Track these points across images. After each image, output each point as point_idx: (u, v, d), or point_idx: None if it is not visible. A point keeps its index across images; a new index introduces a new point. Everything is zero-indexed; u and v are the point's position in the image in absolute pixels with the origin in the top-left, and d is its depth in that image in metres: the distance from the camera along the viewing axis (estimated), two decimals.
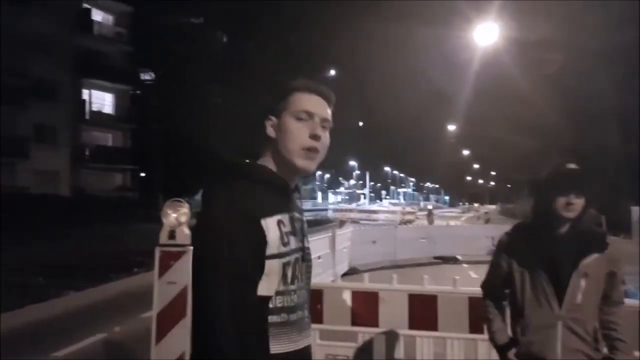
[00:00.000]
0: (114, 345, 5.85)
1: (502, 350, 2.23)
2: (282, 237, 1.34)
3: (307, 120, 1.40)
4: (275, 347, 1.32)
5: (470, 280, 3.93)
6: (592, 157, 25.92)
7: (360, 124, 63.17)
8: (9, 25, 24.69)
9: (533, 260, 2.14)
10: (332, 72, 64.97)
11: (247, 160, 1.44)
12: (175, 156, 32.13)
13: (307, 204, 68.94)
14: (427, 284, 3.65)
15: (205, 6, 38.12)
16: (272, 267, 1.32)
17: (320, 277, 7.58)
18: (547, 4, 21.08)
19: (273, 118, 1.43)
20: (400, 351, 3.57)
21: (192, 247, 4.33)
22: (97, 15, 32.23)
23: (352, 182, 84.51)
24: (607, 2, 19.63)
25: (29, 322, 7.15)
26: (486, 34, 15.13)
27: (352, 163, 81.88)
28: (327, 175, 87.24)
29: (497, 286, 2.31)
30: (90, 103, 31.38)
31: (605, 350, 2.18)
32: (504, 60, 20.68)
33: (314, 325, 3.61)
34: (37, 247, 14.46)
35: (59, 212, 22.21)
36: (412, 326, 3.51)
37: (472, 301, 3.36)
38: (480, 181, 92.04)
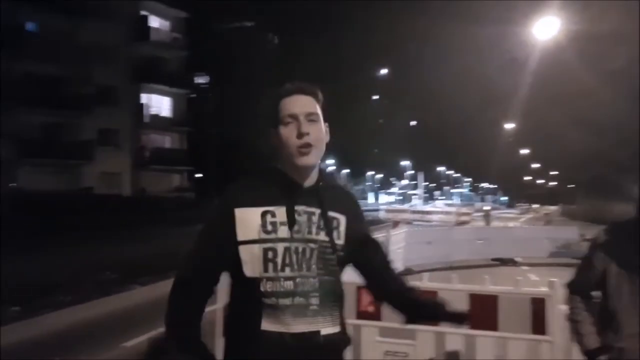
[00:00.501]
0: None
1: (591, 355, 2.13)
2: (264, 225, 1.47)
3: (292, 123, 1.51)
4: (265, 325, 1.45)
5: (530, 283, 3.81)
6: None
7: (413, 123, 62.46)
8: (72, 35, 26.18)
9: (632, 263, 2.01)
10: (384, 71, 64.66)
11: (267, 165, 1.60)
12: (230, 158, 32.91)
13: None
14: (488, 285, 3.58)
15: (257, 9, 38.88)
16: (251, 250, 1.47)
17: None
18: None
19: (274, 130, 1.55)
20: (460, 350, 3.53)
21: None
22: (154, 22, 33.53)
23: (405, 182, 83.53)
24: None
25: (104, 313, 7.64)
26: (546, 29, 14.60)
27: (405, 163, 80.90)
28: (379, 176, 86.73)
29: (588, 287, 2.19)
30: (148, 107, 32.67)
31: None
32: (566, 56, 19.85)
33: (372, 323, 3.65)
34: (106, 246, 15.17)
35: (123, 212, 23.27)
36: (472, 326, 3.46)
37: (535, 302, 3.26)
38: (540, 181, 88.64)
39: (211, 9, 34.79)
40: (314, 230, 1.51)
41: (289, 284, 1.46)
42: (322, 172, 1.62)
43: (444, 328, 3.53)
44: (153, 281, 10.19)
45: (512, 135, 48.93)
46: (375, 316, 3.48)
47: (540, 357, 3.30)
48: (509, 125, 44.88)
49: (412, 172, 77.00)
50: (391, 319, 3.57)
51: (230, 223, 1.48)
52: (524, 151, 62.28)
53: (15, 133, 24.07)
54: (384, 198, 77.54)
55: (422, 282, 3.75)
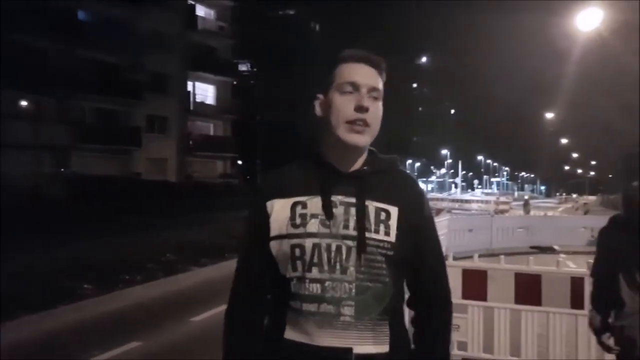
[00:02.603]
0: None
1: (597, 333, 2.37)
2: (292, 218, 1.28)
3: (352, 93, 1.31)
4: (289, 333, 1.29)
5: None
6: None
7: (452, 111, 61.83)
8: (124, 23, 26.95)
9: (626, 251, 2.21)
10: (424, 59, 64.03)
11: (306, 150, 1.42)
12: (274, 145, 33.59)
13: None
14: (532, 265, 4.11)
15: None
16: (280, 247, 1.30)
17: None
18: None
19: (321, 96, 1.36)
20: (506, 323, 4.07)
21: None
22: (200, 11, 34.23)
23: (444, 170, 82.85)
24: None
25: (171, 292, 8.31)
26: (589, 20, 14.58)
27: (444, 151, 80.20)
28: (418, 164, 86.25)
29: (600, 274, 2.41)
30: (194, 94, 33.45)
31: None
32: (610, 46, 19.62)
33: None
34: (160, 230, 15.82)
35: (171, 198, 24.12)
36: (517, 301, 3.92)
37: (574, 280, 3.73)
38: (579, 171, 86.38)
39: None
40: (351, 224, 1.28)
41: (316, 287, 1.26)
42: (373, 154, 1.40)
43: (493, 303, 4.11)
44: (211, 263, 10.96)
45: (553, 125, 48.08)
46: None
47: (579, 331, 3.71)
48: (550, 115, 44.19)
49: (451, 160, 76.34)
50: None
51: (264, 217, 1.32)
52: (564, 141, 60.97)
53: (70, 118, 24.99)
54: (423, 187, 77.01)
55: (473, 262, 4.30)
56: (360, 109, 1.29)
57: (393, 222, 1.30)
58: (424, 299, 1.39)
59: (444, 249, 1.41)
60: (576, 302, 3.72)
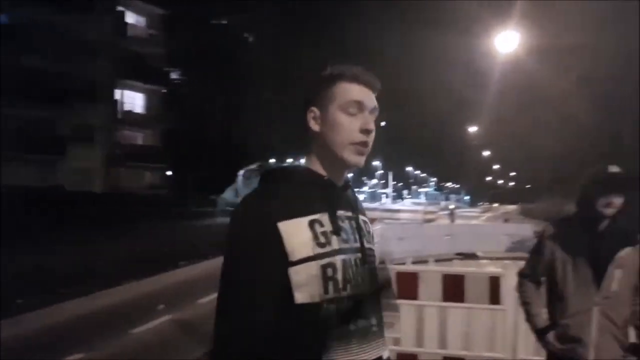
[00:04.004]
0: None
1: (540, 332, 2.41)
2: (316, 238, 1.21)
3: (357, 113, 1.29)
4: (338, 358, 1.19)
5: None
6: (615, 160, 26.25)
7: (383, 124, 63.66)
8: (48, 29, 25.88)
9: (576, 251, 2.32)
10: None
11: (291, 163, 1.61)
12: (205, 155, 33.08)
13: None
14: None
15: (234, 7, 39.11)
16: (308, 270, 1.19)
17: None
18: (568, 10, 21.61)
19: (316, 110, 1.31)
20: (435, 319, 4.44)
21: None
22: (130, 18, 33.41)
23: (375, 181, 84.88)
24: (633, 6, 20.05)
25: (107, 305, 8.08)
26: (507, 42, 15.77)
27: (375, 163, 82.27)
28: (350, 175, 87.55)
29: (537, 273, 2.49)
30: (122, 103, 32.45)
31: (633, 338, 2.38)
32: (527, 66, 21.26)
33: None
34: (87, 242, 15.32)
35: (97, 209, 23.26)
36: (444, 299, 4.25)
37: (492, 279, 4.13)
38: (500, 181, 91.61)
39: (186, 7, 34.88)
40: (357, 237, 1.30)
41: (352, 304, 1.22)
42: None
43: (423, 302, 4.46)
44: (146, 275, 10.69)
45: (476, 139, 50.93)
46: None
47: (497, 324, 4.17)
48: (473, 129, 46.84)
49: (382, 171, 78.43)
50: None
51: (276, 241, 1.18)
52: (486, 153, 64.58)
53: None
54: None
55: (406, 266, 4.69)
56: (366, 131, 1.30)
57: (371, 232, 1.39)
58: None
59: (378, 255, 1.45)
60: (494, 298, 4.12)
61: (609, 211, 2.29)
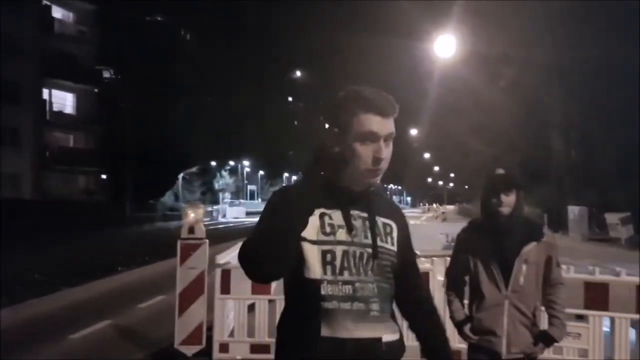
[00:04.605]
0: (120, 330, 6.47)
1: (459, 325, 2.61)
2: (322, 227, 1.44)
3: (371, 143, 1.43)
4: (325, 331, 1.39)
5: (423, 269, 4.71)
6: (542, 163, 27.72)
7: (327, 126, 63.96)
8: None
9: (484, 249, 2.53)
10: (298, 74, 65.71)
11: (319, 166, 1.45)
12: (142, 158, 31.94)
13: None
14: None
15: (172, 6, 38.04)
16: (311, 251, 1.42)
17: None
18: (502, 20, 22.53)
19: (334, 132, 1.47)
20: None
21: (207, 240, 5.15)
22: (57, 13, 31.73)
23: None
24: (558, 22, 21.20)
25: (37, 313, 7.56)
26: (445, 47, 16.14)
27: None
28: (295, 178, 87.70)
29: (457, 273, 2.69)
30: (51, 103, 30.88)
31: (544, 325, 2.61)
32: (464, 72, 21.93)
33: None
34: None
35: (27, 217, 21.98)
36: None
37: (423, 276, 4.16)
38: (440, 183, 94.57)
39: (120, 3, 33.46)
40: (369, 235, 1.48)
41: (348, 288, 1.42)
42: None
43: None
44: (80, 283, 10.28)
45: (417, 141, 52.22)
46: None
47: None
48: (414, 132, 47.97)
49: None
50: None
51: (306, 218, 1.37)
52: (427, 155, 66.38)
53: None
54: None
55: None
56: (379, 160, 1.44)
57: (394, 234, 1.56)
58: (414, 296, 1.64)
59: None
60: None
61: (503, 209, 2.50)
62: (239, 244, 5.32)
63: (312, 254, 1.43)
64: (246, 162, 66.24)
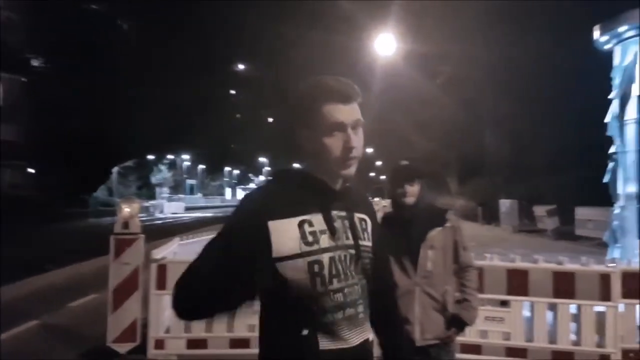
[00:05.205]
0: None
1: None
2: (304, 237, 1.35)
3: (339, 133, 1.38)
4: (325, 344, 1.35)
5: None
6: (477, 158, 28.96)
7: (270, 120, 63.66)
8: None
9: (394, 238, 2.53)
10: (241, 67, 64.73)
11: (295, 167, 1.50)
12: (74, 152, 30.56)
13: (215, 201, 68.24)
14: None
15: None
16: (294, 267, 1.33)
17: None
18: (438, 19, 23.29)
19: (302, 131, 1.43)
20: None
21: (143, 235, 5.07)
22: None
23: (262, 178, 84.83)
24: (490, 21, 22.17)
25: None
26: (385, 45, 16.52)
27: (262, 159, 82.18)
28: (237, 172, 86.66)
29: None
30: None
31: (454, 308, 2.65)
32: (404, 69, 22.48)
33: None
34: None
35: None
36: None
37: None
38: (382, 177, 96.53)
39: None
40: (350, 235, 1.43)
41: (339, 297, 1.37)
42: None
43: None
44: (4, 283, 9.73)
45: None
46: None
47: None
48: None
49: (269, 168, 78.56)
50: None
51: (264, 238, 1.32)
52: (370, 150, 67.57)
53: None
54: (241, 194, 77.91)
55: None
56: (349, 150, 1.39)
57: (369, 229, 1.52)
58: (383, 288, 1.60)
59: None
60: None
61: (407, 199, 2.59)
62: (177, 240, 5.26)
63: (297, 270, 1.33)
64: (186, 156, 64.82)
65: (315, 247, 1.35)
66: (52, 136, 30.31)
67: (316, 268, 1.34)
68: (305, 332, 1.34)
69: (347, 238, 1.43)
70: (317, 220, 1.38)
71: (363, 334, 1.42)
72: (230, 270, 1.31)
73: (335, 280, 1.37)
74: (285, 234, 1.33)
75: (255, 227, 1.32)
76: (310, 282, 1.34)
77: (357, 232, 1.46)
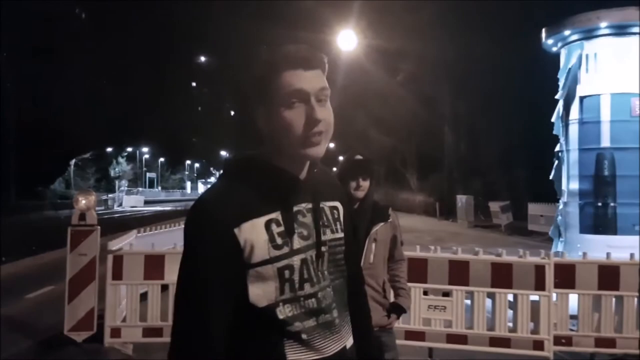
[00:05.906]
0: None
1: None
2: (272, 240, 1.15)
3: (300, 103, 1.14)
4: (292, 356, 1.16)
5: None
6: (435, 154, 29.70)
7: (232, 113, 63.07)
8: None
9: (360, 232, 2.66)
10: (203, 59, 63.89)
11: (248, 154, 1.25)
12: (27, 143, 29.58)
13: (175, 194, 67.27)
14: None
15: None
16: (263, 274, 1.14)
17: None
18: (399, 16, 23.74)
19: (259, 108, 1.19)
20: None
21: (99, 227, 5.18)
22: None
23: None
24: (448, 20, 22.76)
25: None
26: (347, 41, 16.76)
27: (224, 153, 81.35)
28: (197, 165, 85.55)
29: None
30: None
31: (392, 297, 2.84)
32: (365, 65, 22.83)
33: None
34: None
35: None
36: None
37: None
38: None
39: None
40: (322, 229, 1.24)
41: (312, 302, 1.19)
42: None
43: None
44: None
45: None
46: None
47: None
48: None
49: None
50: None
51: (231, 248, 1.13)
52: (331, 145, 67.98)
53: None
54: (202, 187, 77.01)
55: None
56: (314, 122, 1.14)
57: (342, 217, 1.32)
58: (354, 280, 1.40)
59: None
60: None
61: (358, 193, 2.65)
62: (134, 232, 5.38)
63: (266, 276, 1.14)
64: (145, 149, 63.56)
65: (285, 249, 1.16)
66: (5, 126, 29.22)
67: (287, 274, 1.16)
68: (271, 342, 1.16)
69: (320, 234, 1.22)
70: (283, 217, 1.18)
71: (339, 341, 1.22)
72: (221, 303, 1.13)
73: (307, 285, 1.18)
74: (252, 238, 1.13)
75: (219, 240, 1.12)
76: (278, 289, 1.15)
77: (330, 225, 1.27)
